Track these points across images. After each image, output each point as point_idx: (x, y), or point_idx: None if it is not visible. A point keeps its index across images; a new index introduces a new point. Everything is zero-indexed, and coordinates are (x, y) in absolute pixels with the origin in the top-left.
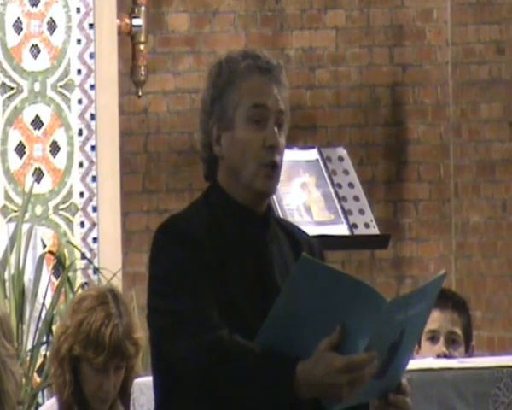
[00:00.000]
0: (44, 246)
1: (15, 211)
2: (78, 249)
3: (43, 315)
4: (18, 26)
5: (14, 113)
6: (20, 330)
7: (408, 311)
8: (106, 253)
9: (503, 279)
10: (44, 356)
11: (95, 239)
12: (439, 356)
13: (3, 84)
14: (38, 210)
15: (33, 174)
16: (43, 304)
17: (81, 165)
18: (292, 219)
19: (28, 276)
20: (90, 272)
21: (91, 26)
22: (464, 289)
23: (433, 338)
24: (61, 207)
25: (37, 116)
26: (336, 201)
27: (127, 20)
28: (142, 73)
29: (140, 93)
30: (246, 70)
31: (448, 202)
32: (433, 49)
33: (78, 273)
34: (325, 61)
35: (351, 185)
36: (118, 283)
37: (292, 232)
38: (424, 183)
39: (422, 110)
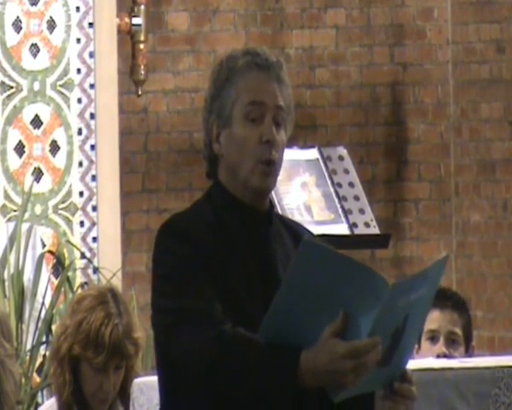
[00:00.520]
0: (44, 245)
1: (15, 210)
2: (77, 249)
3: (42, 315)
4: (17, 25)
5: (13, 112)
6: (19, 329)
7: (411, 295)
8: (105, 252)
9: (504, 279)
10: (44, 356)
11: (94, 239)
12: (438, 356)
13: (3, 83)
14: (38, 210)
15: (33, 174)
16: (43, 304)
17: (81, 164)
18: (292, 218)
19: (28, 275)
20: (90, 271)
21: (91, 25)
22: (465, 289)
23: (433, 338)
24: (61, 206)
25: (36, 115)
26: (336, 200)
27: (127, 19)
28: (142, 72)
29: (140, 92)
30: (244, 67)
31: (448, 202)
32: (433, 48)
33: (78, 273)
34: (325, 61)
35: (351, 185)
36: (117, 282)
37: (295, 230)
38: (424, 182)
39: (423, 109)
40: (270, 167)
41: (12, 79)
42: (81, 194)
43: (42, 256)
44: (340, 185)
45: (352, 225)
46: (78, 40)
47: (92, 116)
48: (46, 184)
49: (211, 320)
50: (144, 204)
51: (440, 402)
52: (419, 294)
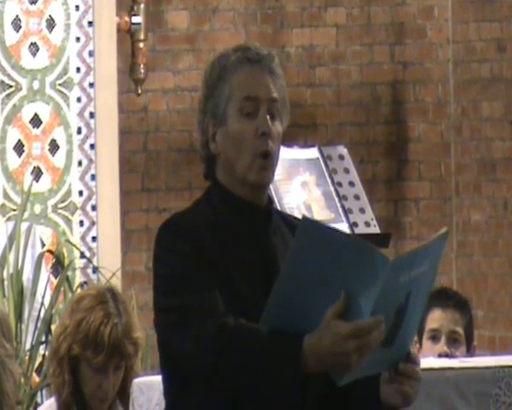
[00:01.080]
0: (43, 245)
1: (14, 210)
2: (77, 248)
3: (41, 314)
4: (17, 24)
5: (12, 111)
6: (18, 329)
7: (412, 271)
8: (105, 252)
9: (505, 278)
10: (43, 356)
11: (94, 238)
12: (440, 356)
13: (2, 82)
14: (37, 209)
15: (32, 173)
16: (42, 303)
17: (80, 163)
18: None
19: (27, 275)
20: (89, 271)
21: (90, 23)
22: (465, 289)
23: (435, 337)
24: (60, 205)
25: (35, 114)
26: (337, 199)
27: (126, 18)
28: (142, 71)
29: (139, 91)
30: (236, 63)
31: (449, 201)
32: (433, 46)
33: (77, 272)
34: (325, 59)
35: (351, 184)
36: (117, 282)
37: (294, 225)
38: (425, 181)
39: (423, 108)
40: (267, 160)
41: (11, 78)
42: (80, 193)
43: (41, 256)
44: (340, 184)
45: (353, 225)
46: (78, 39)
47: (92, 115)
48: (45, 183)
49: (213, 315)
50: (144, 203)
51: (441, 402)
52: (420, 270)
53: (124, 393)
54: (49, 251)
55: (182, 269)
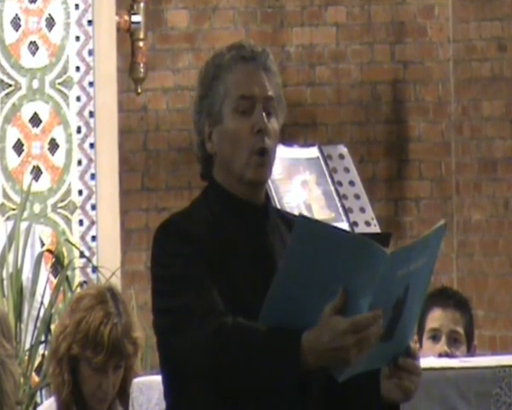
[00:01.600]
0: (43, 244)
1: (13, 209)
2: (76, 248)
3: (41, 314)
4: (16, 23)
5: (12, 110)
6: (18, 329)
7: (410, 265)
8: (105, 251)
9: (505, 278)
10: (43, 355)
11: (93, 237)
12: (440, 355)
13: (1, 81)
14: (37, 208)
15: (31, 172)
16: (42, 303)
17: (80, 163)
18: None
19: (26, 274)
20: (89, 270)
21: (90, 22)
22: (466, 288)
23: (435, 337)
24: (60, 205)
25: (35, 113)
26: (337, 199)
27: (126, 17)
28: (142, 70)
29: (139, 90)
30: (231, 62)
31: (449, 201)
32: (434, 46)
33: (77, 272)
34: (326, 58)
35: (351, 183)
36: (117, 281)
37: (293, 222)
38: (425, 181)
39: (424, 107)
40: (264, 157)
41: (11, 77)
42: (80, 192)
43: (41, 255)
44: (340, 184)
45: (353, 224)
46: (78, 38)
47: (91, 114)
48: (45, 182)
49: (212, 315)
50: (144, 203)
51: (441, 402)
52: (419, 263)
53: (123, 393)
54: (49, 250)
55: (180, 270)
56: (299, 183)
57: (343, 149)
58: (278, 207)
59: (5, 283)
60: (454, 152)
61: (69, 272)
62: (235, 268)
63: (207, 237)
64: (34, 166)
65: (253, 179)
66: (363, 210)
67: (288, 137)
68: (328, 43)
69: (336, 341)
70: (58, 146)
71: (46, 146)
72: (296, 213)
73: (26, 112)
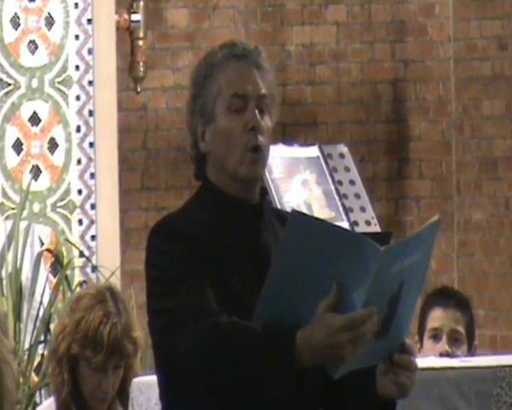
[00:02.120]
0: (42, 244)
1: (13, 208)
2: (76, 247)
3: (40, 314)
4: (15, 22)
5: (11, 109)
6: (17, 328)
7: (404, 260)
8: (104, 251)
9: (506, 278)
10: (42, 355)
11: (93, 237)
12: (441, 355)
13: (1, 80)
14: (36, 208)
15: (31, 171)
16: (41, 302)
17: (79, 162)
18: None
19: (26, 274)
20: (89, 270)
21: (89, 21)
22: (466, 288)
23: (436, 337)
24: (59, 204)
25: (34, 113)
26: (337, 198)
27: (126, 16)
28: (141, 69)
29: (139, 89)
30: (223, 60)
31: (450, 200)
32: (434, 44)
33: (77, 271)
34: (326, 57)
35: (352, 183)
36: (116, 281)
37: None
38: (426, 180)
39: (424, 106)
40: (257, 154)
41: (10, 76)
42: (80, 192)
43: (40, 255)
44: (340, 183)
45: (353, 224)
46: (77, 37)
47: (91, 113)
48: (44, 181)
49: (206, 315)
50: (143, 202)
51: (442, 402)
52: (413, 259)
53: (123, 392)
54: (48, 250)
55: (174, 271)
56: (300, 182)
57: (343, 149)
58: (278, 206)
59: (4, 282)
60: (454, 151)
61: (68, 272)
62: (230, 267)
63: (202, 237)
64: (33, 166)
65: (246, 176)
66: (363, 209)
67: (288, 137)
68: (329, 41)
69: (331, 338)
70: (57, 145)
71: (45, 145)
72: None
73: (26, 111)
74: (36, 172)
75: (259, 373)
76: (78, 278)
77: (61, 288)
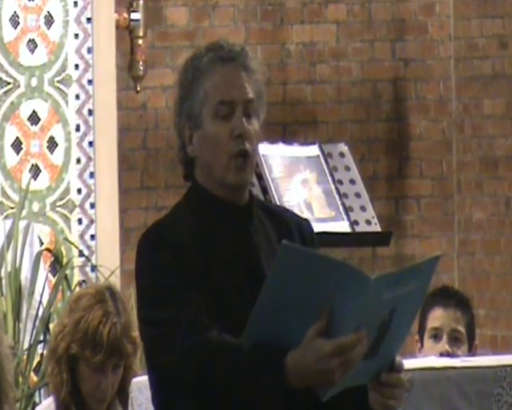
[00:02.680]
0: (41, 243)
1: (12, 208)
2: (75, 247)
3: (40, 313)
4: (14, 21)
5: (10, 108)
6: (16, 328)
7: (397, 290)
8: (104, 250)
9: (507, 277)
10: (41, 355)
11: (92, 236)
12: (442, 354)
13: (0, 79)
14: (35, 207)
15: (30, 171)
16: (40, 302)
17: (79, 161)
18: None
19: (25, 274)
20: (88, 269)
21: (89, 20)
22: (467, 287)
23: (436, 336)
24: (59, 203)
25: (34, 112)
26: (337, 197)
27: (125, 15)
28: (141, 67)
29: (138, 88)
30: (209, 64)
31: (451, 199)
32: (435, 43)
33: (76, 271)
34: (326, 56)
35: (352, 182)
36: (116, 280)
37: (281, 217)
38: (426, 179)
39: (425, 105)
40: (244, 160)
41: (9, 75)
42: (79, 191)
43: (39, 254)
44: (340, 182)
45: (353, 223)
46: (76, 35)
47: (90, 112)
48: (44, 181)
49: (196, 329)
50: (143, 201)
51: (442, 402)
52: (408, 289)
53: (123, 392)
54: (48, 249)
55: (163, 282)
56: (300, 181)
57: (343, 148)
58: (278, 203)
59: (4, 282)
60: (455, 150)
61: (68, 271)
62: (220, 271)
63: (191, 245)
64: (33, 165)
65: (233, 184)
66: (363, 209)
67: (288, 136)
68: (329, 40)
69: (320, 363)
70: (57, 144)
71: (45, 144)
72: (297, 211)
73: (25, 110)
74: (35, 171)
75: (249, 393)
76: (77, 277)
77: (60, 287)
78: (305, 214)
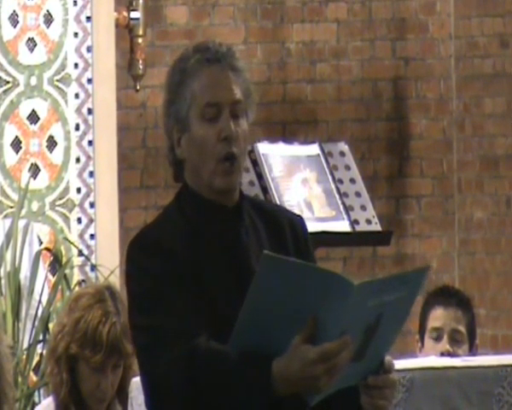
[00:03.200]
0: (41, 243)
1: (11, 207)
2: (75, 246)
3: (39, 313)
4: (14, 19)
5: (10, 107)
6: (16, 328)
7: (383, 296)
8: (103, 250)
9: (507, 276)
10: (41, 355)
11: (92, 236)
12: (442, 354)
13: None
14: (35, 206)
15: (29, 170)
16: (40, 302)
17: (78, 160)
18: None
19: (24, 273)
20: (88, 269)
21: (89, 19)
22: (468, 287)
23: (437, 336)
24: (58, 203)
25: (33, 111)
26: (337, 197)
27: (125, 13)
28: (141, 66)
29: (138, 87)
30: (196, 66)
31: (451, 198)
32: (435, 42)
33: (75, 270)
34: (326, 55)
35: (352, 181)
36: (115, 280)
37: (272, 215)
38: (427, 178)
39: (425, 104)
40: (231, 164)
41: (8, 74)
42: (78, 190)
43: (39, 254)
44: (341, 182)
45: (354, 222)
46: (76, 34)
47: (90, 111)
48: (43, 180)
49: (184, 336)
50: (143, 200)
51: (443, 401)
52: (395, 296)
53: (122, 392)
54: (47, 249)
55: (153, 288)
56: (300, 180)
57: (344, 147)
58: (278, 202)
59: (3, 281)
60: (456, 149)
61: (67, 271)
62: (209, 273)
63: (180, 248)
64: (32, 164)
65: (221, 188)
66: (363, 208)
67: (288, 135)
68: (329, 39)
69: (306, 370)
70: (56, 143)
71: (44, 143)
72: (297, 211)
73: (24, 109)
74: (34, 170)
75: (235, 401)
76: (76, 277)
77: (59, 287)
78: (306, 214)
